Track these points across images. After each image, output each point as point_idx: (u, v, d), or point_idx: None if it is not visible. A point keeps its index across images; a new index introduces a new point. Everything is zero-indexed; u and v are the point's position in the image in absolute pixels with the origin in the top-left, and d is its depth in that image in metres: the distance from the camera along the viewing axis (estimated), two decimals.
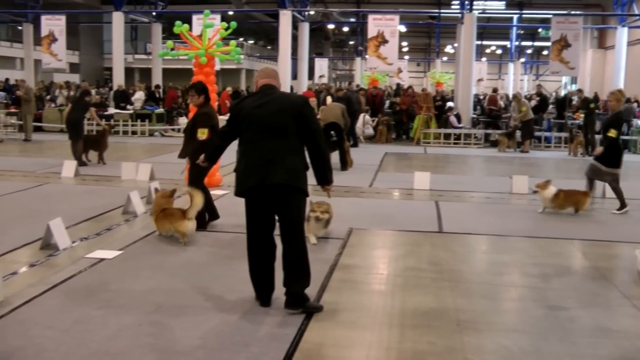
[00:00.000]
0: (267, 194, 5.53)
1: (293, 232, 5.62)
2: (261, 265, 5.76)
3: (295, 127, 5.58)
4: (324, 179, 5.80)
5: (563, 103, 25.93)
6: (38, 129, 23.84)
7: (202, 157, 6.56)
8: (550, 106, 27.91)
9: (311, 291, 6.10)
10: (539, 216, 10.37)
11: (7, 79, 33.97)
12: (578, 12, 29.19)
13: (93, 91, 27.79)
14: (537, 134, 22.74)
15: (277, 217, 5.68)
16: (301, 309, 5.59)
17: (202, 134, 8.45)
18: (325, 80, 43.69)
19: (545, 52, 56.35)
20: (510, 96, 31.78)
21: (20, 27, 37.83)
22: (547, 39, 35.86)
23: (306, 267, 5.63)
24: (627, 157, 13.73)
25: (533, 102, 25.33)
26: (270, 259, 5.78)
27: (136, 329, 5.26)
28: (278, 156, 5.49)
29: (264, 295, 5.81)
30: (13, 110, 25.23)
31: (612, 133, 10.39)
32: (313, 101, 21.09)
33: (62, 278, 6.60)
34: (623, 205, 10.67)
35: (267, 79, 5.84)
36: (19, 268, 6.98)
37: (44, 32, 28.84)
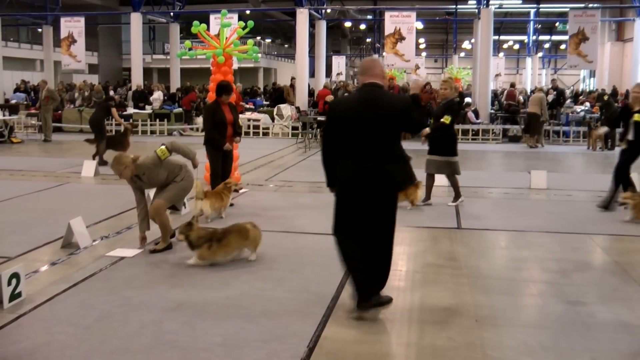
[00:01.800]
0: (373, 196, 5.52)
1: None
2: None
3: (399, 128, 5.62)
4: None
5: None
6: (58, 130, 24.08)
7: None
8: (569, 100, 27.74)
9: (330, 289, 6.16)
10: (557, 211, 10.33)
11: (22, 81, 34.33)
12: (596, 5, 28.94)
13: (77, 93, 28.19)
14: (555, 128, 22.63)
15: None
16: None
17: None
18: (342, 77, 43.69)
19: (563, 46, 55.96)
20: (529, 91, 31.66)
21: (39, 30, 38.14)
22: (564, 32, 35.64)
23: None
24: None
25: (550, 97, 25.21)
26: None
27: (157, 327, 5.33)
28: (384, 161, 5.47)
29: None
30: (33, 111, 25.48)
31: (446, 119, 10.14)
32: (330, 98, 21.15)
33: (83, 276, 6.70)
34: (458, 195, 10.74)
35: (371, 77, 5.58)
36: (40, 266, 7.10)
37: (64, 33, 29.09)
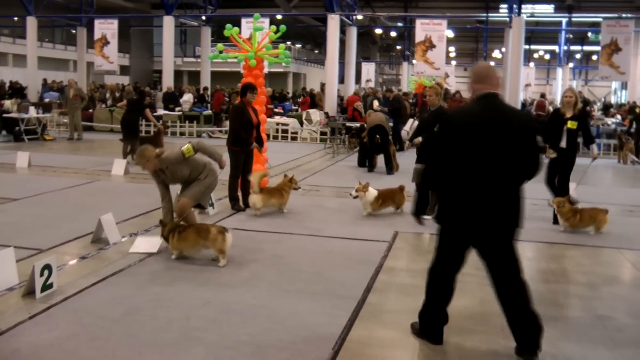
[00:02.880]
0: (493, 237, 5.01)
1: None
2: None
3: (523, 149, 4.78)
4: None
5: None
6: (89, 129, 24.37)
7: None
8: (599, 112, 27.51)
9: (356, 292, 6.19)
10: None
11: (53, 81, 34.71)
12: (629, 15, 28.67)
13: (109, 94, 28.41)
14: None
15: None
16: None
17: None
18: (372, 84, 43.71)
19: (594, 57, 55.43)
20: (557, 103, 31.41)
21: (74, 31, 38.66)
22: (596, 43, 35.31)
23: None
24: None
25: None
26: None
27: (184, 322, 5.40)
28: (510, 196, 4.88)
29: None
30: (64, 110, 25.84)
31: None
32: (359, 105, 21.14)
33: (112, 271, 6.83)
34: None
35: (491, 86, 4.83)
36: (71, 259, 7.25)
37: (97, 35, 29.51)
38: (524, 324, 4.90)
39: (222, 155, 8.13)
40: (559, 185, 10.13)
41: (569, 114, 9.78)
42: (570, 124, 9.67)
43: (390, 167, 15.33)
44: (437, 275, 5.14)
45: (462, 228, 4.87)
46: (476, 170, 4.68)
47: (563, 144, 9.83)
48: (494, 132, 4.65)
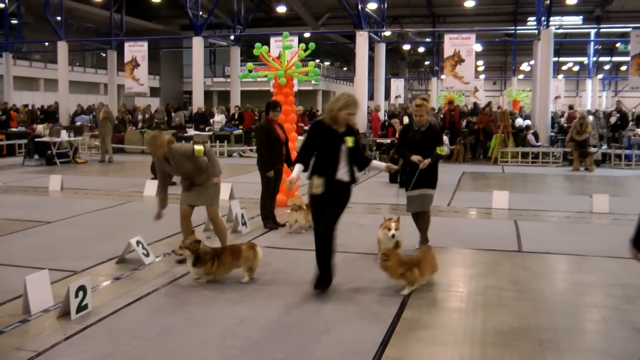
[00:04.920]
0: None
1: None
2: None
3: None
4: None
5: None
6: (120, 150, 24.64)
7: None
8: (631, 123, 27.18)
9: (392, 309, 6.15)
10: (620, 236, 10.06)
11: (78, 105, 35.07)
12: None
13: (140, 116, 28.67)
14: (617, 151, 22.19)
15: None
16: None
17: None
18: (401, 100, 43.69)
19: (624, 67, 54.84)
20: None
21: (104, 54, 39.23)
22: (626, 53, 34.96)
23: None
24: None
25: (613, 119, 24.75)
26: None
27: (220, 342, 5.40)
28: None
29: None
30: (96, 132, 26.14)
31: (441, 150, 8.68)
32: (396, 122, 20.98)
33: (146, 291, 6.87)
34: (425, 240, 9.01)
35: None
36: (105, 280, 7.31)
37: (127, 58, 29.90)
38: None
39: (221, 173, 8.36)
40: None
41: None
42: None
43: None
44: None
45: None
46: None
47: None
48: None
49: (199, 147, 7.93)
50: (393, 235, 7.82)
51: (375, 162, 7.42)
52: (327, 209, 6.67)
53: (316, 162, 6.76)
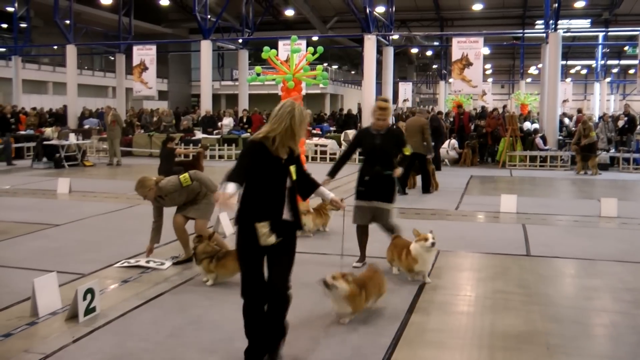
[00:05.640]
0: None
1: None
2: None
3: None
4: None
5: None
6: (128, 154, 24.70)
7: None
8: (638, 126, 27.09)
9: (399, 312, 6.13)
10: (629, 240, 10.06)
11: (84, 108, 35.15)
12: None
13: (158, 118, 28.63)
14: (625, 155, 22.12)
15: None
16: None
17: None
18: (409, 104, 43.67)
19: (632, 71, 54.66)
20: (596, 118, 31.08)
21: (112, 58, 39.33)
22: (634, 56, 34.88)
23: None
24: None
25: (620, 123, 24.66)
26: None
27: (228, 344, 5.41)
28: None
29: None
30: (105, 136, 26.22)
31: (407, 150, 8.25)
32: (402, 125, 20.98)
33: (154, 294, 6.89)
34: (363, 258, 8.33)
35: None
36: (113, 283, 7.33)
37: (136, 61, 29.97)
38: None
39: (217, 187, 8.25)
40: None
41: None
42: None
43: (428, 186, 15.22)
44: None
45: None
46: None
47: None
48: None
49: (184, 177, 7.98)
50: (433, 244, 7.09)
51: (323, 189, 5.42)
52: (274, 261, 5.03)
53: (252, 199, 4.95)
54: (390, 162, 7.85)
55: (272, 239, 4.84)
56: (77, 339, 5.53)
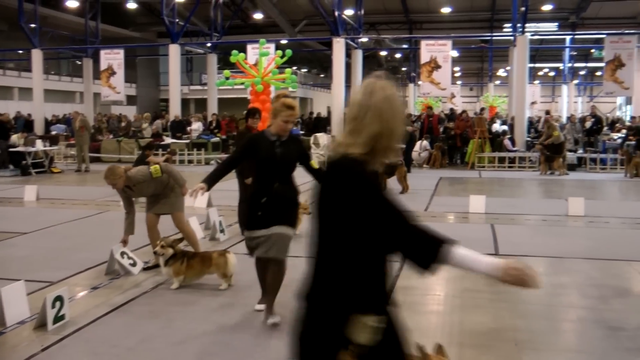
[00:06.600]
0: None
1: None
2: None
3: None
4: None
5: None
6: (96, 160, 24.47)
7: None
8: (605, 127, 27.52)
9: None
10: (595, 238, 10.21)
11: (53, 115, 34.81)
12: (632, 31, 28.71)
13: (145, 124, 28.43)
14: (592, 155, 22.43)
15: None
16: None
17: None
18: None
19: (598, 73, 55.30)
20: (564, 119, 31.45)
21: (79, 62, 38.93)
22: (600, 59, 35.36)
23: None
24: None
25: (588, 124, 25.00)
26: None
27: (200, 348, 5.40)
28: None
29: None
30: (73, 142, 25.96)
31: (314, 164, 6.32)
32: None
33: (124, 300, 6.85)
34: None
35: None
36: (83, 290, 7.27)
37: (103, 66, 29.76)
38: None
39: (186, 181, 8.27)
40: None
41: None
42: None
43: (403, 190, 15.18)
44: None
45: None
46: None
47: None
48: None
49: (155, 168, 8.00)
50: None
51: None
52: None
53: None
54: (291, 179, 6.11)
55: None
56: (46, 348, 5.47)
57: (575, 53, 52.22)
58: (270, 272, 5.94)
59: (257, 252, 5.96)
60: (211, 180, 6.14)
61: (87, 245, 9.66)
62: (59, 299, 6.02)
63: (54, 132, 29.80)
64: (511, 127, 25.99)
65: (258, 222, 5.88)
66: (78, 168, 21.92)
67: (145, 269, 8.10)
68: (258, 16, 41.40)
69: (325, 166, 2.96)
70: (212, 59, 33.97)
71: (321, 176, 3.01)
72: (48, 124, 32.09)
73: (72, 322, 6.08)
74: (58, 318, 5.99)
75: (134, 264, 8.07)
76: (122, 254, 8.05)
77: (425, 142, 23.24)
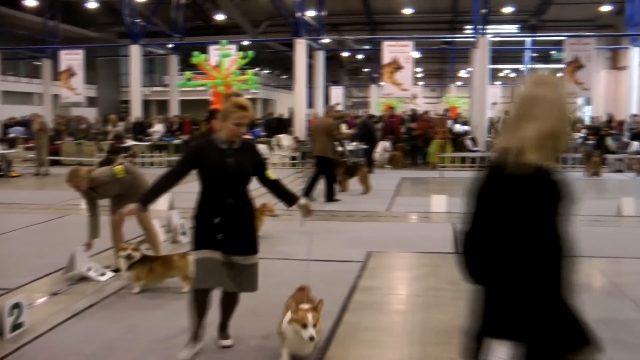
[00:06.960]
0: None
1: None
2: None
3: None
4: None
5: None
6: (56, 163, 24.11)
7: None
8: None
9: (331, 311, 6.17)
10: None
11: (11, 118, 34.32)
12: (591, 34, 29.23)
13: (111, 127, 28.14)
14: None
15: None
16: None
17: None
18: (340, 108, 43.86)
19: (558, 74, 56.09)
20: None
21: (37, 63, 38.34)
22: (560, 61, 35.95)
23: None
24: None
25: None
26: None
27: (162, 352, 5.35)
28: None
29: None
30: (31, 144, 25.55)
31: (270, 174, 5.63)
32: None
33: (85, 305, 6.73)
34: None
35: None
36: (42, 297, 7.13)
37: (63, 66, 29.35)
38: None
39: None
40: None
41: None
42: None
43: (332, 194, 14.45)
44: None
45: None
46: None
47: None
48: None
49: (118, 168, 7.97)
50: (312, 338, 4.74)
51: None
52: None
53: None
54: (246, 193, 5.38)
55: None
56: (4, 357, 5.35)
57: (535, 55, 52.93)
58: (230, 301, 5.44)
59: (226, 287, 5.23)
60: (148, 200, 5.37)
61: (47, 251, 9.49)
62: (17, 306, 5.89)
63: (11, 135, 29.27)
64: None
65: (211, 243, 5.11)
66: (37, 172, 21.55)
67: (114, 271, 7.93)
68: (220, 17, 41.23)
69: (492, 169, 3.04)
70: (174, 60, 33.74)
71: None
72: (5, 126, 31.47)
73: (31, 329, 5.95)
74: (16, 326, 5.87)
75: (102, 274, 7.93)
76: (89, 269, 7.88)
77: (386, 144, 23.36)
